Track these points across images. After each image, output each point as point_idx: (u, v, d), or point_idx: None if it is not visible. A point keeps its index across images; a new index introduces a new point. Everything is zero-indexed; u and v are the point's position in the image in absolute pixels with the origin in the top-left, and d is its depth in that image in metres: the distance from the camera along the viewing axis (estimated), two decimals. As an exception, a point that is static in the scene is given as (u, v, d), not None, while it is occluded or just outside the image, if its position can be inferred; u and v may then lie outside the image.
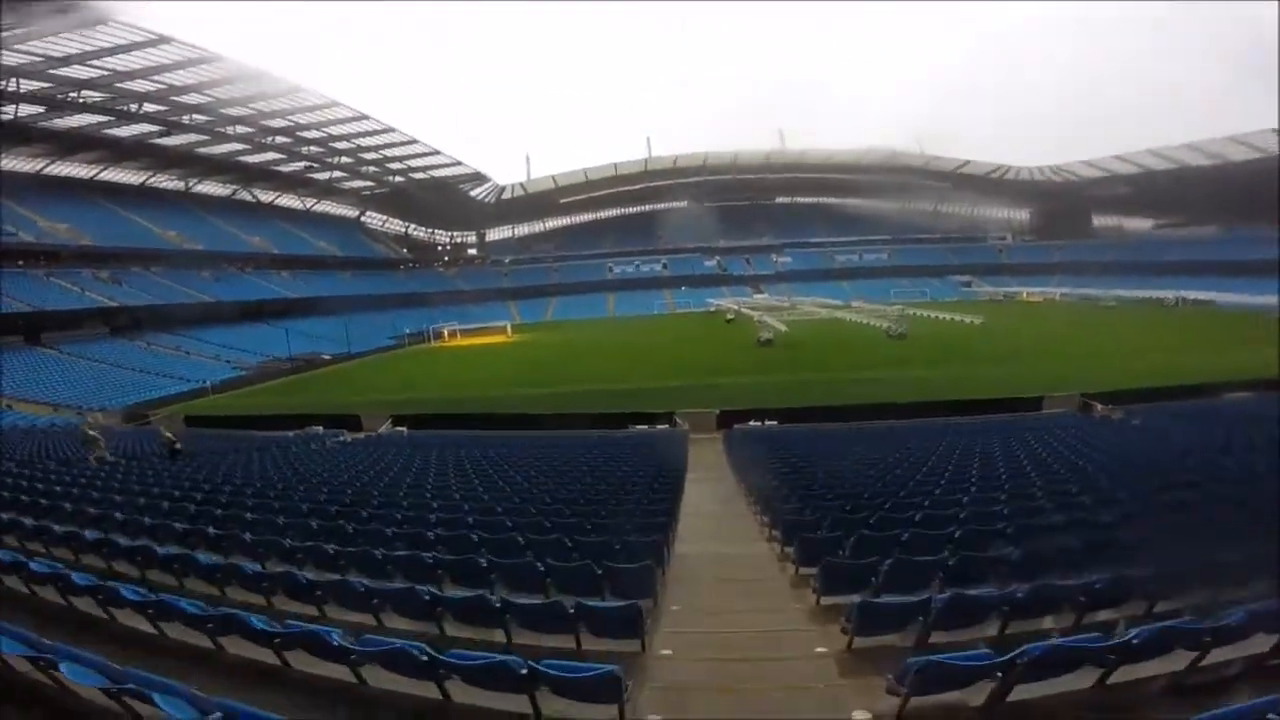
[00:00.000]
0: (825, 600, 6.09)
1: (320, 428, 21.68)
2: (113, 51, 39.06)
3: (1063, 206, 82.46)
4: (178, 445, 15.75)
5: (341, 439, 19.86)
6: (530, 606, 5.30)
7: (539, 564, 6.22)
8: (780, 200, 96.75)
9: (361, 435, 20.88)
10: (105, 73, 41.63)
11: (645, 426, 21.33)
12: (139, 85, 44.31)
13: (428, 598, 5.38)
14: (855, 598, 5.24)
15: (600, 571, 5.90)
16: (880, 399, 22.26)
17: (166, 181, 63.49)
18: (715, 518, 11.24)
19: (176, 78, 44.34)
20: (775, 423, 20.89)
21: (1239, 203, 58.31)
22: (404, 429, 22.35)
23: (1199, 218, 69.17)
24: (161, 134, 53.03)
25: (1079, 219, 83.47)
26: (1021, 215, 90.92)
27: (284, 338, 49.49)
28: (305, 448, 17.61)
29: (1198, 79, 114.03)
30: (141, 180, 60.99)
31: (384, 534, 7.88)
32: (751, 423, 20.87)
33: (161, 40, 38.99)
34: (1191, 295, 53.54)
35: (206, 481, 11.90)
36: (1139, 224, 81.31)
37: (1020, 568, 5.76)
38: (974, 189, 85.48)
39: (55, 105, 43.64)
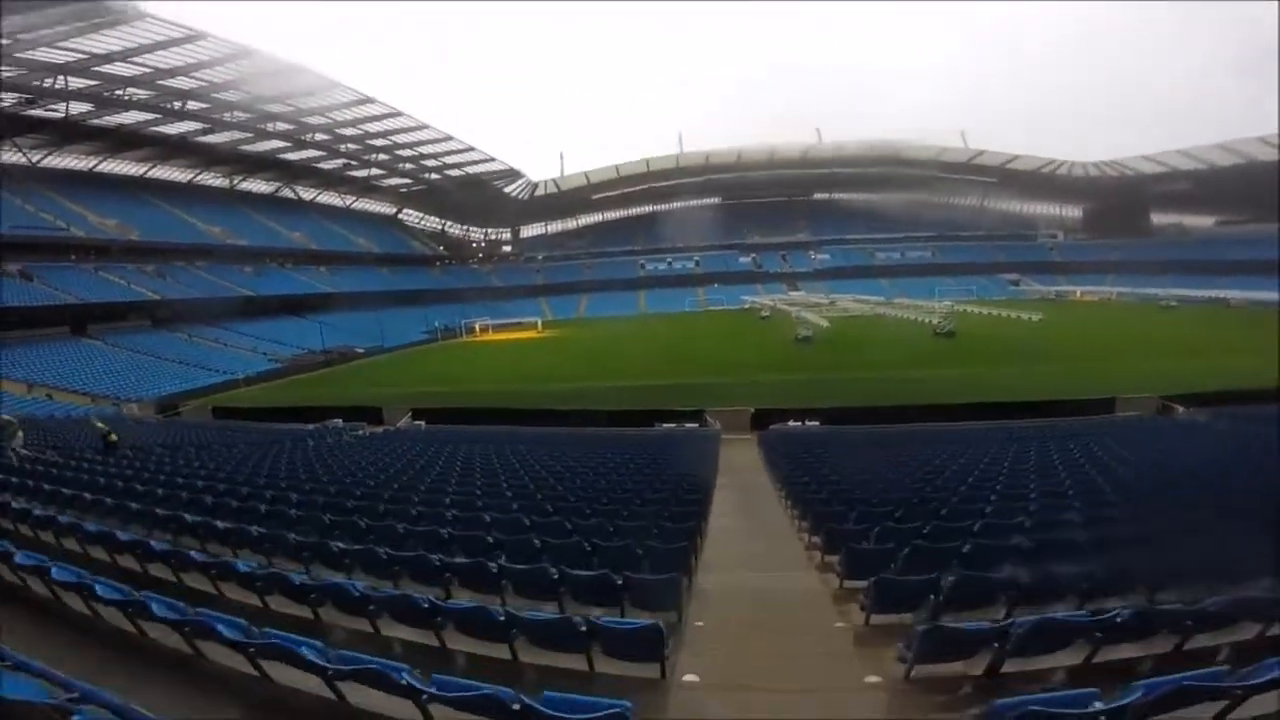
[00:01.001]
0: (920, 670, 4.36)
1: (340, 421, 21.48)
2: (150, 49, 39.79)
3: (1118, 203, 78.76)
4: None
5: (359, 433, 19.59)
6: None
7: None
8: (818, 196, 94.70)
9: (379, 429, 20.56)
10: (146, 70, 42.52)
11: (673, 425, 20.25)
12: (180, 83, 45.15)
13: (426, 605, 4.87)
14: (959, 666, 4.31)
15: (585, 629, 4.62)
16: (933, 399, 20.95)
17: (212, 179, 65.09)
18: (749, 535, 9.74)
19: (215, 74, 44.99)
20: (818, 423, 19.51)
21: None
22: (422, 423, 22.01)
23: (1267, 215, 65.21)
24: (205, 131, 54.20)
25: (1136, 216, 79.48)
26: (1074, 212, 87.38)
27: (320, 331, 50.27)
28: (321, 441, 17.33)
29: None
30: (189, 178, 62.68)
31: (392, 531, 7.49)
32: (791, 423, 19.52)
33: (196, 36, 39.59)
34: (1260, 295, 50.13)
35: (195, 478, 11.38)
36: (1200, 221, 77.14)
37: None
38: (1023, 184, 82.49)
39: (102, 103, 44.82)
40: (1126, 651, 4.31)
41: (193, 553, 6.63)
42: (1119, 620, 4.00)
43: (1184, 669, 3.36)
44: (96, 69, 40.93)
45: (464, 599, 5.52)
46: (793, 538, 9.05)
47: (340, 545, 6.77)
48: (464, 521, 7.99)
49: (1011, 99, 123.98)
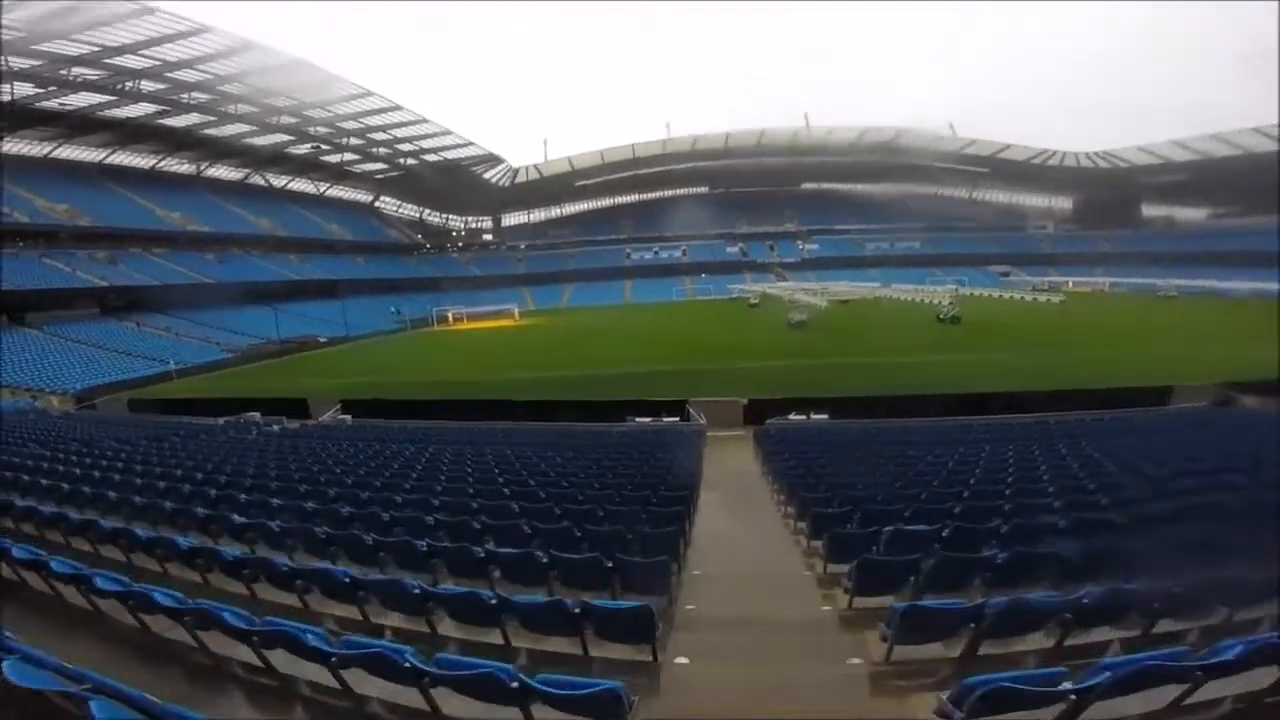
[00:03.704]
0: (900, 652, 4.44)
1: (258, 415, 19.51)
2: (98, 25, 37.71)
3: (1109, 194, 77.17)
4: None
5: (274, 428, 17.67)
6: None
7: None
8: (806, 186, 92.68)
9: (295, 424, 18.59)
10: (95, 48, 40.44)
11: (648, 419, 17.77)
12: (133, 61, 43.03)
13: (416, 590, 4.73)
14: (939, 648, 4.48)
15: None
16: (957, 387, 18.59)
17: (177, 165, 62.83)
18: (750, 589, 6.61)
19: (169, 52, 42.85)
20: (825, 416, 16.92)
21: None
22: (348, 418, 20.02)
23: (1262, 207, 63.45)
24: (164, 114, 52.02)
25: (1127, 207, 78.11)
26: (1064, 203, 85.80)
27: (285, 320, 48.34)
28: (216, 438, 15.43)
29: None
30: (151, 164, 60.42)
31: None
32: (793, 415, 16.90)
33: (146, 11, 37.47)
34: (1261, 286, 48.10)
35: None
36: (1192, 214, 76.08)
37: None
38: (1013, 175, 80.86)
39: (50, 84, 42.67)
40: (1098, 635, 4.48)
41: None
42: (1086, 602, 4.20)
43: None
44: (39, 48, 38.88)
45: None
46: (832, 621, 6.15)
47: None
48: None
49: (1002, 89, 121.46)
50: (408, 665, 3.51)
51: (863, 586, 5.39)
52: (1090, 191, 79.68)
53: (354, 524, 7.22)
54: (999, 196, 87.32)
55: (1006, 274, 74.20)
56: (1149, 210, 79.64)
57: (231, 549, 6.33)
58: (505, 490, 8.83)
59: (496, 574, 5.86)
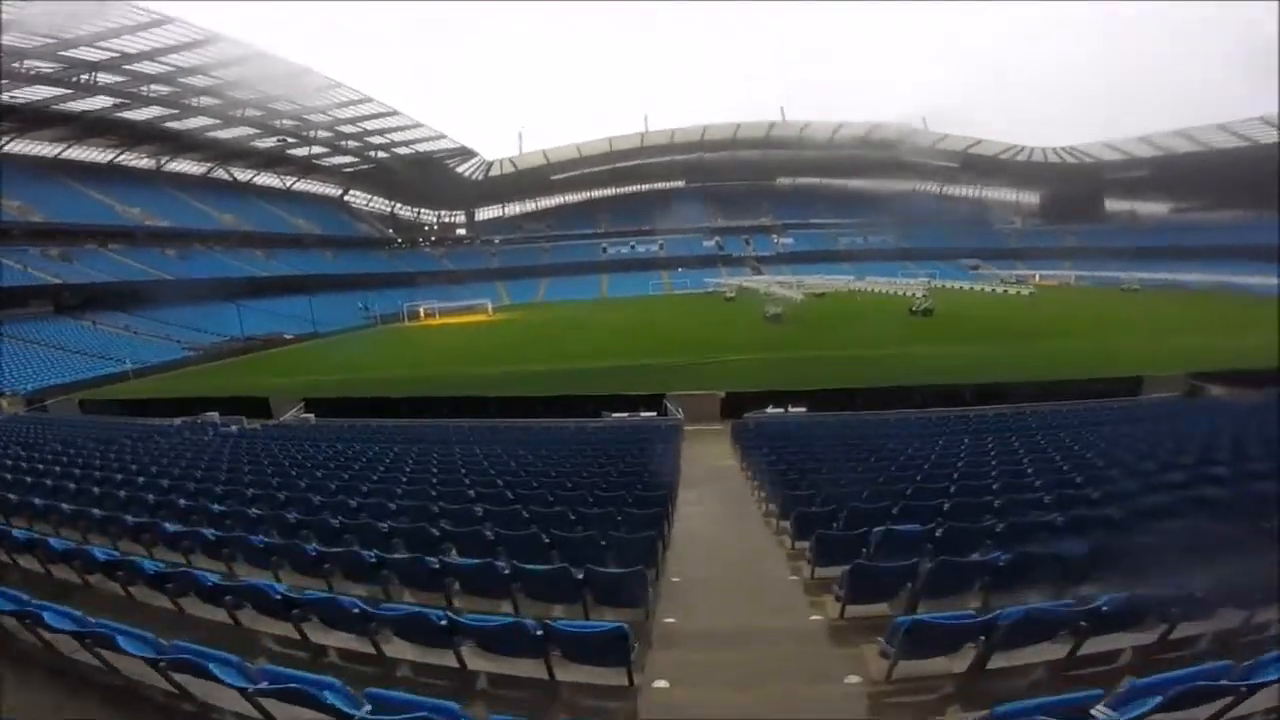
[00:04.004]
0: (902, 667, 4.08)
1: (215, 414, 18.67)
2: (52, 16, 36.04)
3: (1074, 189, 78.49)
4: None
5: (231, 429, 16.89)
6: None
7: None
8: (782, 181, 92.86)
9: (255, 425, 17.81)
10: (50, 41, 38.70)
11: (624, 415, 17.40)
12: (89, 54, 41.32)
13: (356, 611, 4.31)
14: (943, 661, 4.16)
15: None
16: (932, 379, 18.49)
17: (136, 160, 60.65)
18: (734, 598, 6.19)
19: (128, 43, 41.21)
20: (803, 409, 16.66)
21: (1267, 186, 54.39)
22: (311, 416, 19.26)
23: (1223, 202, 65.02)
24: (123, 107, 50.06)
25: (1090, 202, 79.57)
26: (1031, 198, 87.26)
27: (252, 317, 47.00)
28: (169, 440, 14.64)
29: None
30: (109, 158, 58.26)
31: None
32: (771, 409, 16.66)
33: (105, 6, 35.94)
34: (1222, 279, 49.18)
35: None
36: (1154, 208, 77.65)
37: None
38: (983, 170, 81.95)
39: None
40: (1111, 643, 4.16)
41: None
42: (1105, 610, 3.95)
43: (1172, 660, 3.54)
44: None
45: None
46: (820, 629, 5.92)
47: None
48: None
49: (977, 83, 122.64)
50: (327, 704, 3.08)
51: (855, 595, 5.04)
52: (1057, 186, 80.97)
53: (300, 532, 6.72)
54: (968, 191, 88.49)
55: (976, 267, 75.26)
56: (1113, 205, 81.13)
57: (156, 563, 5.75)
58: (470, 493, 8.30)
59: (455, 586, 5.39)
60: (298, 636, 4.79)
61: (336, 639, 4.73)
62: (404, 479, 9.45)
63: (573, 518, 6.93)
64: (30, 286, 39.64)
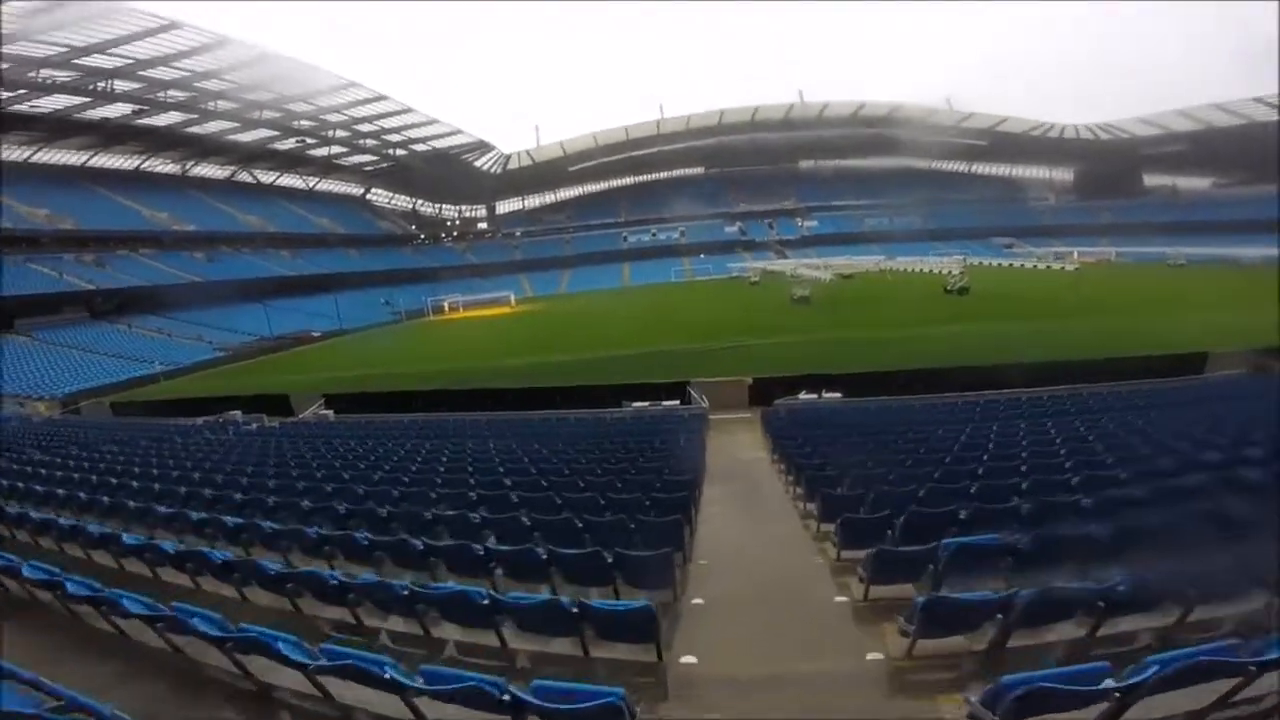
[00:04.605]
0: (923, 645, 4.25)
1: (238, 413, 18.81)
2: (63, 25, 36.68)
3: (1110, 165, 75.91)
4: None
5: (251, 427, 17.00)
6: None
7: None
8: (803, 164, 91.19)
9: (275, 422, 17.86)
10: (63, 49, 39.41)
11: (646, 404, 16.87)
12: (102, 61, 42.00)
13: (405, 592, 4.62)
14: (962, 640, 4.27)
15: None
16: (982, 359, 17.52)
17: (161, 165, 61.83)
18: (759, 578, 6.14)
19: (140, 49, 41.81)
20: (838, 395, 15.89)
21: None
22: (330, 413, 19.29)
23: (1266, 175, 62.05)
24: (143, 113, 50.90)
25: (1129, 177, 76.89)
26: (1064, 175, 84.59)
27: (280, 316, 47.75)
28: (195, 438, 14.76)
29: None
30: (135, 165, 59.46)
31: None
32: (803, 395, 15.92)
33: (115, 9, 36.46)
34: (1270, 252, 46.63)
35: None
36: (1195, 183, 74.77)
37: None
38: (1013, 147, 79.51)
39: (20, 87, 41.63)
40: (1129, 624, 4.18)
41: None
42: (1121, 590, 3.93)
43: (1189, 641, 3.28)
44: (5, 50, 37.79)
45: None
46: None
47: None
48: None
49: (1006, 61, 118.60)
50: (388, 677, 3.35)
51: (879, 576, 5.11)
52: (1091, 163, 78.43)
53: (349, 521, 7.07)
54: (999, 169, 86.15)
55: (1009, 245, 73.15)
56: (1151, 180, 78.34)
57: (223, 553, 6.12)
58: (472, 495, 7.96)
59: (498, 572, 5.56)
60: (353, 621, 5.10)
61: (389, 623, 5.08)
62: (405, 479, 9.23)
63: (580, 525, 6.41)
64: (64, 293, 40.69)
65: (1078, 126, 72.94)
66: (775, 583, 5.98)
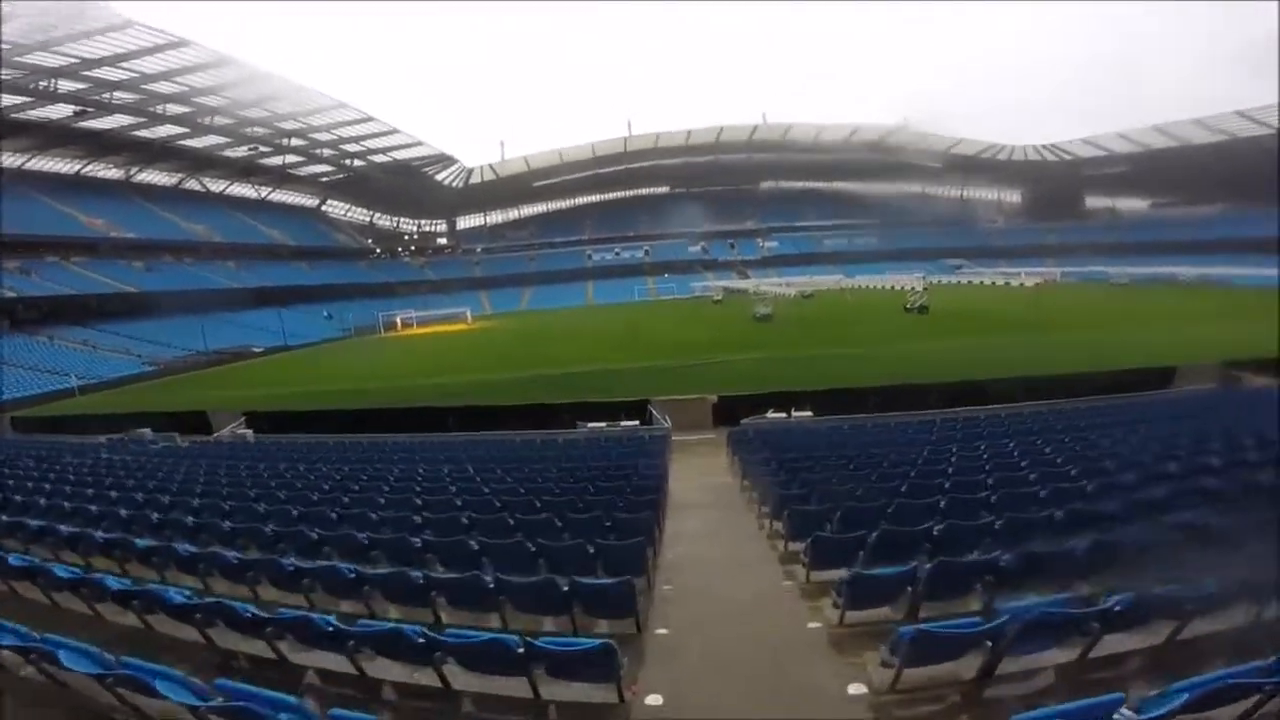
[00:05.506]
0: (909, 675, 4.03)
1: (148, 431, 17.25)
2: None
3: (1055, 187, 78.78)
4: None
5: (157, 445, 15.50)
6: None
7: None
8: (765, 185, 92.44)
9: (185, 442, 16.37)
10: (4, 46, 37.22)
11: (602, 424, 15.90)
12: (49, 60, 39.88)
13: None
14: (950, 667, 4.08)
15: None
16: (953, 376, 17.12)
17: (104, 170, 59.01)
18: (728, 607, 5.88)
19: (88, 49, 39.83)
20: (809, 413, 15.24)
21: (1245, 179, 54.34)
22: (250, 432, 17.83)
23: (1202, 196, 64.98)
24: (86, 115, 48.53)
25: (1071, 199, 79.88)
26: (1013, 197, 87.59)
27: (222, 329, 45.48)
28: (87, 458, 13.28)
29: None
30: (76, 169, 56.62)
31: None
32: (771, 413, 15.28)
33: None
34: (1209, 271, 48.60)
35: None
36: (1134, 204, 77.83)
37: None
38: (965, 169, 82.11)
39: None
40: (1116, 644, 4.04)
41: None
42: (1118, 610, 3.83)
43: (1180, 660, 3.51)
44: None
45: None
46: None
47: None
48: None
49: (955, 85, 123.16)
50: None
51: (855, 602, 4.94)
52: (1038, 184, 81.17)
53: (277, 545, 6.66)
54: (951, 191, 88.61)
55: (959, 267, 74.92)
56: (1093, 202, 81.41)
57: (121, 580, 5.63)
58: (416, 519, 7.03)
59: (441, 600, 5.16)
60: (273, 656, 4.63)
61: (316, 658, 4.59)
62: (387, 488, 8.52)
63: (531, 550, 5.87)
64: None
65: (1025, 148, 75.36)
66: (746, 610, 5.73)
